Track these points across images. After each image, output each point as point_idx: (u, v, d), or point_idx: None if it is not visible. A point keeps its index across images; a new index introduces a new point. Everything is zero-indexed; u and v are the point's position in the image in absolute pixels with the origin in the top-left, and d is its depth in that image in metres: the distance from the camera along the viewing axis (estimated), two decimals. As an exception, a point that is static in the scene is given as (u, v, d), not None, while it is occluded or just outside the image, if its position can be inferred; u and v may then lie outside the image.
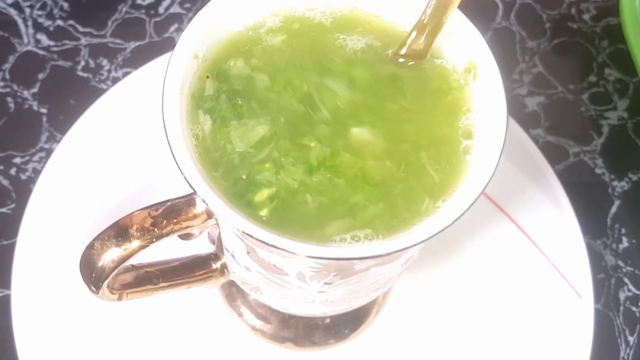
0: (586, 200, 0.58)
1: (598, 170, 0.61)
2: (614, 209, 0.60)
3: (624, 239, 0.58)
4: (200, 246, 0.44)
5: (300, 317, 0.51)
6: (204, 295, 0.51)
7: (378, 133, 0.35)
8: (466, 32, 0.37)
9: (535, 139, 0.60)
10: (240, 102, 0.35)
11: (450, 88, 0.37)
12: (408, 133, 0.35)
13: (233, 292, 0.52)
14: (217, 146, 0.34)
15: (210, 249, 0.45)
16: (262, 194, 0.33)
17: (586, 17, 0.69)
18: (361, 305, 0.44)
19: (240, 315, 0.51)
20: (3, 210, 0.55)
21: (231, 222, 0.31)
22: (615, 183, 0.61)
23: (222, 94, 0.36)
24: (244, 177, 0.34)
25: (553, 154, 0.59)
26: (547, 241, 0.53)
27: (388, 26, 0.39)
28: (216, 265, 0.43)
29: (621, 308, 0.55)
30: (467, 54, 0.37)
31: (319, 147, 0.34)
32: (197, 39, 0.35)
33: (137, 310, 0.49)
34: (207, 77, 0.36)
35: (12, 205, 0.56)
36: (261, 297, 0.42)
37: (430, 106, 0.36)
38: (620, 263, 0.57)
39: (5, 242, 0.54)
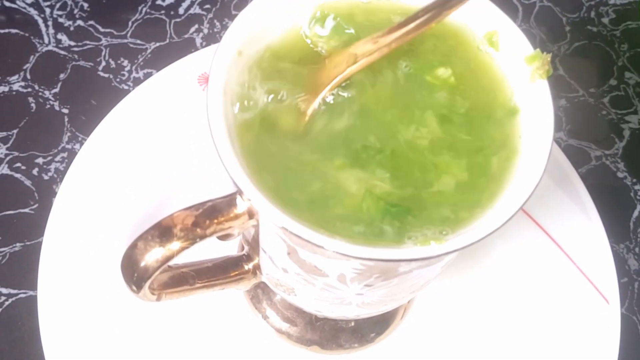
0: (608, 204, 0.58)
1: (620, 174, 0.61)
2: (636, 213, 0.60)
3: (647, 243, 0.58)
4: (229, 248, 0.44)
5: (327, 320, 0.51)
6: (229, 297, 0.51)
7: (434, 131, 0.35)
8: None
9: (557, 143, 0.60)
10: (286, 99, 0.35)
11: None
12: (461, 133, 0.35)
13: (259, 294, 0.52)
14: (263, 145, 0.34)
15: (237, 250, 0.45)
16: (309, 194, 0.33)
17: (605, 20, 0.69)
18: (394, 307, 0.44)
19: (265, 317, 0.51)
20: (26, 210, 0.55)
21: (277, 222, 0.31)
22: (637, 187, 0.61)
23: (269, 93, 0.35)
24: (289, 176, 0.33)
25: (575, 158, 0.59)
26: (573, 245, 0.53)
27: None
28: (248, 266, 0.42)
29: (645, 312, 0.55)
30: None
31: (373, 145, 0.34)
32: (242, 36, 0.35)
33: (163, 313, 0.49)
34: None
35: (35, 206, 0.55)
36: (294, 299, 0.42)
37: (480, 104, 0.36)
38: (644, 267, 0.57)
39: (28, 243, 0.54)
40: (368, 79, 0.37)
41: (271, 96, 0.36)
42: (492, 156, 0.35)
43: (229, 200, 0.34)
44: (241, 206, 0.34)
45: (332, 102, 0.36)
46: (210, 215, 0.34)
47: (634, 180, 0.61)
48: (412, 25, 0.35)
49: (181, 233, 0.33)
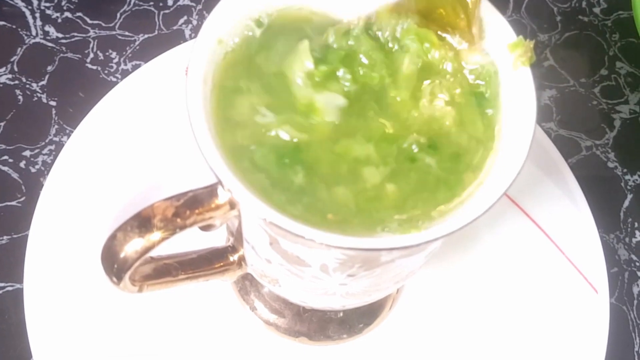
0: (599, 194, 0.57)
1: (610, 164, 0.61)
2: (626, 203, 0.59)
3: (637, 233, 0.58)
4: (215, 239, 0.44)
5: (315, 311, 0.51)
6: (216, 289, 0.51)
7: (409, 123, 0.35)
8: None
9: (547, 133, 0.59)
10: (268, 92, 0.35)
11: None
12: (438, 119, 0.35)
13: (246, 286, 0.51)
14: (243, 135, 0.34)
15: (223, 241, 0.45)
16: (290, 182, 0.33)
17: (597, 10, 0.69)
18: (380, 298, 0.44)
19: (253, 309, 0.51)
20: (13, 203, 0.55)
21: (258, 213, 0.30)
22: (627, 177, 0.60)
23: (251, 83, 0.35)
24: (270, 166, 0.33)
25: (565, 148, 0.58)
26: (562, 235, 0.53)
27: None
28: (233, 257, 0.42)
29: (635, 302, 0.55)
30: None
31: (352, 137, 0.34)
32: (223, 23, 0.35)
33: (149, 304, 0.49)
34: None
35: (22, 199, 0.55)
36: (279, 290, 0.42)
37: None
38: (634, 257, 0.57)
39: (15, 236, 0.53)
40: (352, 67, 0.37)
41: (252, 85, 0.35)
42: (473, 145, 0.35)
43: (210, 191, 0.34)
44: (222, 197, 0.34)
45: (316, 91, 0.36)
46: (191, 205, 0.33)
47: (625, 170, 0.61)
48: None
49: (161, 223, 0.33)
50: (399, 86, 0.36)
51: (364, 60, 0.37)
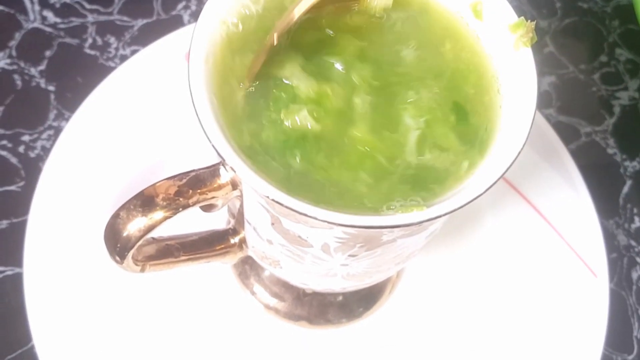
0: (598, 180, 0.57)
1: (610, 150, 0.61)
2: (625, 189, 0.59)
3: (636, 219, 0.58)
4: (216, 222, 0.44)
5: (315, 295, 0.51)
6: (216, 273, 0.51)
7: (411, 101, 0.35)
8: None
9: (547, 119, 0.59)
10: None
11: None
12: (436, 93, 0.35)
13: (246, 270, 0.51)
14: (245, 115, 0.34)
15: (224, 224, 0.45)
16: (292, 159, 0.33)
17: (596, -3, 0.68)
18: (381, 280, 0.44)
19: (253, 293, 0.51)
20: (12, 188, 0.55)
21: (261, 191, 0.30)
22: (627, 163, 0.61)
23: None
24: (272, 145, 0.33)
25: (565, 134, 0.58)
26: (562, 220, 0.53)
27: None
28: (234, 240, 0.42)
29: (634, 287, 0.55)
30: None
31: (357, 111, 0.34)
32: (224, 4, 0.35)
33: (150, 289, 0.49)
34: None
35: (22, 183, 0.55)
36: (280, 272, 0.42)
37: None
38: (633, 243, 0.57)
39: (15, 220, 0.53)
40: (353, 50, 0.37)
41: (254, 65, 0.35)
42: (473, 126, 0.35)
43: (213, 171, 0.34)
44: (224, 176, 0.34)
45: (322, 68, 0.36)
46: (193, 185, 0.33)
47: (624, 156, 0.61)
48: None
49: (164, 202, 0.33)
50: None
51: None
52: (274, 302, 0.51)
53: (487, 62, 0.37)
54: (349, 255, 0.36)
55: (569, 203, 0.54)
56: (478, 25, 0.37)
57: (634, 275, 0.56)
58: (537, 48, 0.36)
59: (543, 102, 0.62)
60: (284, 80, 0.35)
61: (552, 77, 0.63)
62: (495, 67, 0.37)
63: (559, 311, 0.50)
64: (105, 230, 0.33)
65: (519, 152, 0.32)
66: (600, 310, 0.50)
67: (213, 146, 0.31)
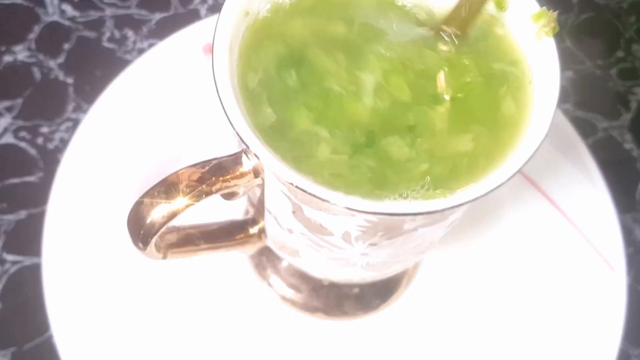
0: (615, 175, 0.57)
1: (627, 146, 0.61)
2: (642, 184, 0.59)
3: (653, 214, 0.58)
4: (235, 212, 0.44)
5: (331, 287, 0.51)
6: (233, 264, 0.51)
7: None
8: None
9: (564, 114, 0.59)
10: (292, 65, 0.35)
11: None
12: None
13: (263, 261, 0.52)
14: (269, 103, 0.34)
15: (242, 215, 0.45)
16: (319, 149, 0.33)
17: (613, -8, 0.68)
18: (399, 271, 0.44)
19: (270, 284, 0.51)
20: (31, 179, 0.55)
21: (284, 177, 0.30)
22: (643, 158, 0.60)
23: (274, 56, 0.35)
24: (295, 132, 0.33)
25: (581, 129, 0.58)
26: (580, 215, 0.53)
27: None
28: (253, 230, 0.42)
29: (651, 282, 0.55)
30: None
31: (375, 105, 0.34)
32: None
33: (168, 280, 0.49)
34: None
35: (40, 175, 0.55)
36: (299, 262, 0.42)
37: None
38: (650, 238, 0.57)
39: (34, 211, 0.54)
40: (378, 40, 0.37)
41: (280, 54, 0.36)
42: (497, 114, 0.35)
43: (235, 159, 0.34)
44: (247, 164, 0.34)
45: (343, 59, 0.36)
46: (216, 172, 0.34)
47: (641, 151, 0.61)
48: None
49: (187, 189, 0.33)
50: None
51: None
52: (290, 293, 0.51)
53: (520, 53, 0.37)
54: (370, 244, 0.36)
55: (586, 197, 0.54)
56: (502, 16, 0.37)
57: (651, 271, 0.56)
58: (554, 43, 0.36)
59: (560, 97, 0.62)
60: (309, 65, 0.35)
61: (569, 73, 0.63)
62: (529, 58, 0.36)
63: (577, 305, 0.50)
64: (129, 216, 0.34)
65: (540, 144, 0.32)
66: (618, 304, 0.50)
67: (237, 133, 0.31)
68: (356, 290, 0.51)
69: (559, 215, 0.53)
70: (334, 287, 0.50)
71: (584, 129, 0.60)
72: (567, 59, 0.64)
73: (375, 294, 0.51)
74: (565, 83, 0.63)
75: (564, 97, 0.62)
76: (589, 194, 0.54)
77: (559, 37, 0.59)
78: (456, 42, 0.37)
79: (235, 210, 0.43)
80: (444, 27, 0.37)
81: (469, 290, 0.52)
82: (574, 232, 0.52)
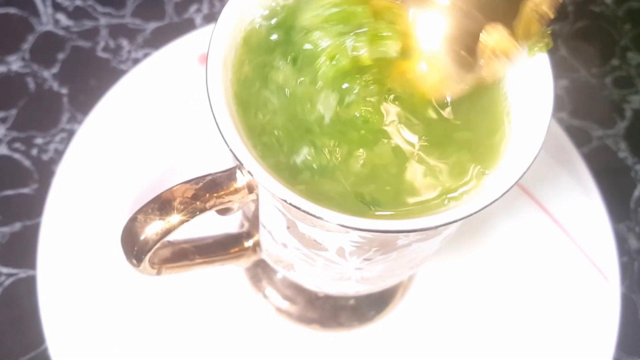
0: (609, 184, 0.57)
1: (621, 154, 0.61)
2: (637, 193, 0.59)
3: (648, 223, 0.58)
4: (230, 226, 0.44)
5: (327, 298, 0.51)
6: (228, 276, 0.51)
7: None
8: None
9: (558, 123, 0.59)
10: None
11: None
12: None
13: (258, 273, 0.52)
14: (262, 119, 0.34)
15: (237, 228, 0.45)
16: (311, 164, 0.33)
17: (608, 0, 0.68)
18: (394, 283, 0.44)
19: (265, 296, 0.51)
20: (25, 190, 0.55)
21: (278, 194, 0.30)
22: (638, 167, 0.60)
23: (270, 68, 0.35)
24: (287, 149, 0.33)
25: (576, 138, 0.58)
26: (573, 224, 0.53)
27: None
28: (248, 243, 0.42)
29: (645, 291, 0.55)
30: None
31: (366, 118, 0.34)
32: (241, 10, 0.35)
33: (163, 292, 0.49)
34: None
35: (35, 186, 0.55)
36: (294, 276, 0.42)
37: None
38: (644, 246, 0.57)
39: (28, 223, 0.54)
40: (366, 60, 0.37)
41: (273, 70, 0.36)
42: (490, 128, 0.35)
43: (229, 175, 0.34)
44: (241, 180, 0.34)
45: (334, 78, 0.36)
46: (210, 188, 0.34)
47: (635, 160, 0.61)
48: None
49: (181, 206, 0.33)
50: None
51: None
52: (285, 305, 0.51)
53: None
54: (364, 259, 0.36)
55: (580, 206, 0.54)
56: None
57: (646, 279, 0.56)
58: (549, 51, 0.36)
59: (555, 105, 0.62)
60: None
61: (563, 81, 0.63)
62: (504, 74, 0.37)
63: (571, 314, 0.50)
64: (123, 233, 0.34)
65: (534, 158, 0.32)
66: (612, 314, 0.50)
67: (231, 150, 0.31)
68: (352, 301, 0.51)
69: (553, 225, 0.53)
70: (329, 298, 0.50)
71: (579, 137, 0.61)
72: (562, 67, 0.64)
73: (370, 305, 0.51)
74: (560, 91, 0.63)
75: (558, 106, 0.62)
76: (583, 203, 0.54)
77: (553, 45, 0.59)
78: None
79: (230, 224, 0.43)
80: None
81: (464, 300, 0.52)
82: (568, 242, 0.52)
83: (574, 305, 0.51)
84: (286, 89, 0.35)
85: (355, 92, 0.35)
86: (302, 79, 0.35)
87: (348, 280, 0.39)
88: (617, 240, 0.53)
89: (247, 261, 0.43)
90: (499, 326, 0.50)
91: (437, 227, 0.31)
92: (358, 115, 0.35)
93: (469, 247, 0.53)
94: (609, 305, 0.50)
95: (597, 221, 0.53)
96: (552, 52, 0.63)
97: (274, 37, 0.36)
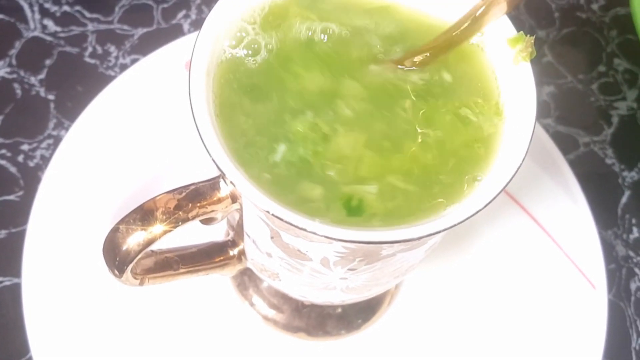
0: (597, 191, 0.58)
1: (608, 161, 0.61)
2: (624, 199, 0.60)
3: (635, 230, 0.58)
4: (215, 234, 0.44)
5: (313, 306, 0.51)
6: (215, 284, 0.51)
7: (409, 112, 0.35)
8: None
9: (545, 129, 0.59)
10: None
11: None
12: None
13: (245, 281, 0.51)
14: (243, 129, 0.34)
15: (223, 236, 0.45)
16: (293, 174, 0.33)
17: (595, 7, 0.69)
18: (379, 293, 0.44)
19: (252, 304, 0.51)
20: (11, 197, 0.55)
21: (260, 205, 0.30)
22: (625, 173, 0.61)
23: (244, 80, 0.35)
24: (270, 158, 0.33)
25: (563, 144, 0.58)
26: (560, 231, 0.53)
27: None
28: (233, 252, 0.42)
29: (632, 298, 0.55)
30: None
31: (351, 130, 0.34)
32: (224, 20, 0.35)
33: (148, 300, 0.49)
34: None
35: (20, 193, 0.55)
36: (279, 285, 0.42)
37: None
38: (631, 253, 0.57)
39: (13, 230, 0.53)
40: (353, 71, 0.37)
41: (254, 80, 0.35)
42: (473, 139, 0.35)
43: (212, 184, 0.34)
44: (224, 190, 0.34)
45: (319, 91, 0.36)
46: (193, 198, 0.34)
47: (622, 166, 0.61)
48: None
49: (163, 216, 0.33)
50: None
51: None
52: (272, 313, 0.51)
53: (490, 75, 0.37)
54: (349, 269, 0.36)
55: (567, 213, 0.54)
56: (479, 38, 0.38)
57: (633, 286, 0.56)
58: (536, 58, 0.37)
59: (541, 112, 0.62)
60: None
61: (550, 87, 0.64)
62: (499, 80, 0.37)
63: (558, 322, 0.50)
64: (105, 244, 0.33)
65: (518, 168, 0.32)
66: (599, 322, 0.50)
67: (213, 160, 0.31)
68: (339, 310, 0.51)
69: (541, 232, 0.53)
70: (316, 307, 0.50)
71: (566, 143, 0.61)
72: (548, 74, 0.64)
73: (357, 313, 0.51)
74: (546, 98, 0.63)
75: (545, 112, 0.62)
76: (569, 210, 0.54)
77: (540, 51, 0.59)
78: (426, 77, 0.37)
79: (215, 232, 0.43)
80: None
81: (451, 308, 0.52)
82: (554, 249, 0.52)
83: (562, 313, 0.51)
84: (268, 97, 0.35)
85: (339, 101, 0.35)
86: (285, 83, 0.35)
87: (333, 289, 0.39)
88: (605, 248, 0.54)
89: (232, 270, 0.42)
90: (486, 334, 0.50)
91: (420, 238, 0.31)
92: (341, 123, 0.35)
93: (455, 254, 0.53)
94: (596, 312, 0.50)
95: (584, 228, 0.53)
96: (539, 58, 0.63)
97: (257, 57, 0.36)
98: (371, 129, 0.35)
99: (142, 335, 0.48)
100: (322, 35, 0.37)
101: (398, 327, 0.51)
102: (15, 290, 0.50)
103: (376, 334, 0.51)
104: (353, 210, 0.33)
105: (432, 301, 0.52)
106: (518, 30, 0.37)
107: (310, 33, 0.37)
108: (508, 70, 0.37)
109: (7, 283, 0.51)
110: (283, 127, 0.34)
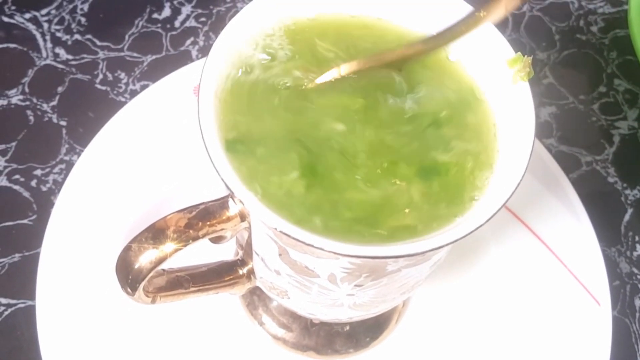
0: (600, 209, 0.58)
1: (610, 179, 0.62)
2: (627, 217, 0.60)
3: (638, 247, 0.59)
4: (225, 253, 0.45)
5: (322, 325, 0.51)
6: (225, 304, 0.52)
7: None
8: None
9: (548, 149, 0.60)
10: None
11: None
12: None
13: (254, 301, 0.52)
14: (254, 148, 0.35)
15: (232, 256, 0.46)
16: (300, 193, 0.34)
17: (594, 29, 0.70)
18: (387, 309, 0.44)
19: (261, 324, 0.52)
20: (24, 221, 0.56)
21: (268, 222, 0.31)
22: (627, 191, 0.61)
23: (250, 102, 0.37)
24: (277, 177, 0.34)
25: (566, 164, 0.59)
26: (565, 249, 0.54)
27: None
28: (243, 270, 0.43)
29: (637, 315, 0.56)
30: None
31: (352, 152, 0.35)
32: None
33: (160, 321, 0.50)
34: None
35: (33, 217, 0.56)
36: (288, 303, 0.43)
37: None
38: (635, 270, 0.58)
39: (27, 253, 0.54)
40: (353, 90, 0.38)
41: (262, 102, 0.37)
42: (472, 158, 0.36)
43: (222, 203, 0.35)
44: (233, 209, 0.35)
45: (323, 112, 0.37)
46: (203, 217, 0.35)
47: (625, 185, 0.62)
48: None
49: (174, 235, 0.34)
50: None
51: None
52: (281, 332, 0.51)
53: (481, 95, 0.38)
54: (355, 285, 0.37)
55: (571, 231, 0.55)
56: (472, 58, 0.39)
57: (637, 303, 0.56)
58: (537, 79, 0.38)
59: (544, 132, 0.63)
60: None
61: (552, 108, 0.65)
62: (491, 101, 0.38)
63: (563, 339, 0.51)
64: (117, 262, 0.34)
65: (519, 183, 0.33)
66: (604, 338, 0.50)
67: (222, 179, 0.32)
68: (347, 328, 0.51)
69: (545, 250, 0.54)
70: (324, 325, 0.51)
71: (568, 163, 0.62)
72: (550, 95, 0.66)
73: (366, 332, 0.52)
74: (548, 118, 0.64)
75: (547, 132, 0.63)
76: (573, 228, 0.54)
77: (541, 73, 0.61)
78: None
79: (225, 252, 0.44)
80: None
81: (458, 325, 0.52)
82: (559, 267, 0.53)
83: (566, 330, 0.51)
84: (277, 116, 0.37)
85: (351, 122, 0.37)
86: (292, 106, 0.37)
87: (341, 306, 0.40)
88: (609, 265, 0.54)
89: (241, 289, 0.43)
90: (492, 350, 0.51)
91: (423, 252, 0.31)
92: (351, 145, 0.36)
93: (461, 272, 0.54)
94: (601, 329, 0.51)
95: (587, 246, 0.54)
96: (540, 79, 0.64)
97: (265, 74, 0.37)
98: (376, 156, 0.36)
99: (154, 354, 0.49)
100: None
101: (406, 345, 0.52)
102: (30, 312, 0.51)
103: (385, 352, 0.51)
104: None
105: (439, 318, 0.52)
106: (516, 52, 0.38)
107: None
108: (505, 91, 0.38)
109: (22, 305, 0.52)
110: (290, 151, 0.36)
